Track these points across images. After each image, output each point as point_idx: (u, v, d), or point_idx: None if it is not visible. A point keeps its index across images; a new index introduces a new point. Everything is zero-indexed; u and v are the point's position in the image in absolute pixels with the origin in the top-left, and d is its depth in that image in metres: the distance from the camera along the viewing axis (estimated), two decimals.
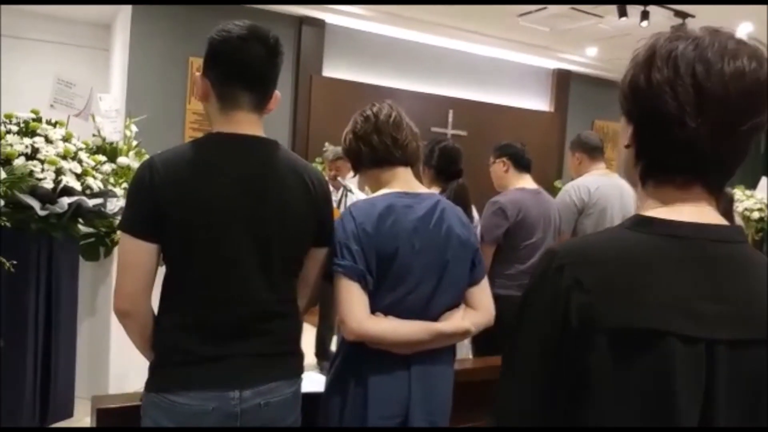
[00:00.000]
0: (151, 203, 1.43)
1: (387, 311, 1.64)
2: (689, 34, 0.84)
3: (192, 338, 1.47)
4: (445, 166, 2.96)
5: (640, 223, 0.86)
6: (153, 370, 1.50)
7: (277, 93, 1.58)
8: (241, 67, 1.49)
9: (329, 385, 1.72)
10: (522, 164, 3.16)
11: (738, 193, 6.05)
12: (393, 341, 1.63)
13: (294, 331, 1.63)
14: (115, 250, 3.52)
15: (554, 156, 8.21)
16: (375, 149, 1.74)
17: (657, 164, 0.88)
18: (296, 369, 1.61)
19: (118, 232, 1.46)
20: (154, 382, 1.49)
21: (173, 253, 1.48)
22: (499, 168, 3.18)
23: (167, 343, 1.49)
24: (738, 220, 3.27)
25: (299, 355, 1.63)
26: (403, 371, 1.66)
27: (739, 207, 5.86)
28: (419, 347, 1.66)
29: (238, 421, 1.47)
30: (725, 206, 3.07)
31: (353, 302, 1.60)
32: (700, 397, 0.78)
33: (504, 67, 7.99)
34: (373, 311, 1.63)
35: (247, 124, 1.52)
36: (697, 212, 0.85)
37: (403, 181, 1.75)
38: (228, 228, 1.46)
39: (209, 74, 1.52)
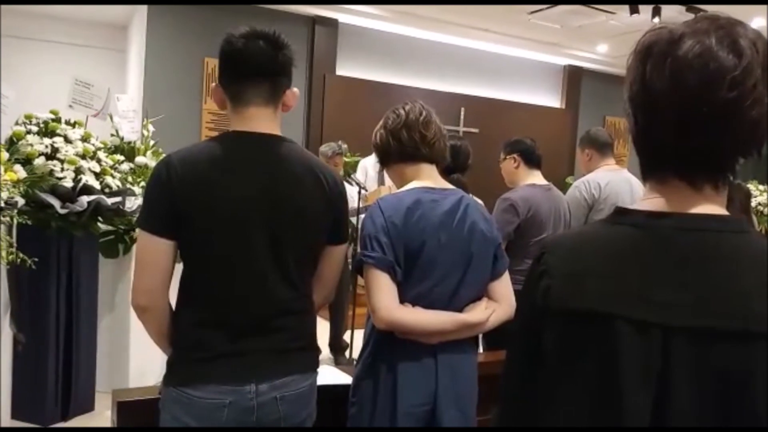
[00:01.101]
0: (169, 201, 1.45)
1: (414, 303, 1.69)
2: (667, 29, 0.82)
3: (210, 334, 1.49)
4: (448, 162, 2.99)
5: (617, 214, 0.87)
6: (171, 365, 1.53)
7: (294, 90, 1.61)
8: (246, 63, 1.52)
9: (359, 374, 1.78)
10: (532, 160, 3.17)
11: (751, 187, 6.03)
12: (421, 330, 1.69)
13: (310, 327, 1.65)
14: (134, 247, 3.59)
15: (565, 152, 8.20)
16: (403, 144, 1.81)
17: (644, 162, 0.88)
18: (312, 363, 1.64)
19: (137, 230, 1.48)
20: (172, 377, 1.51)
21: (190, 250, 1.51)
22: (509, 164, 3.20)
23: (185, 339, 1.52)
24: (754, 217, 3.27)
25: (315, 350, 1.66)
26: (430, 360, 1.71)
27: (752, 202, 5.84)
28: (445, 337, 1.71)
29: (254, 414, 1.49)
30: (742, 200, 3.08)
31: (383, 292, 1.66)
32: (651, 383, 0.76)
33: (515, 64, 7.99)
34: (400, 302, 1.68)
35: (260, 120, 1.54)
36: (691, 204, 0.82)
37: (428, 177, 1.82)
38: (244, 226, 1.48)
39: (221, 80, 1.57)
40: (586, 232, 0.93)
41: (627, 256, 0.82)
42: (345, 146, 4.85)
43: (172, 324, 1.55)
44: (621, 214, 0.87)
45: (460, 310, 1.74)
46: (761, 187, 6.18)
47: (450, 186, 1.85)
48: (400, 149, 1.82)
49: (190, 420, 1.48)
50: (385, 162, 1.90)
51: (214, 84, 1.60)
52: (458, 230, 1.73)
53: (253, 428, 1.53)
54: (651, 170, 0.87)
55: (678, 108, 0.79)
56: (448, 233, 1.71)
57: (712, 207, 0.83)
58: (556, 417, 0.83)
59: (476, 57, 7.69)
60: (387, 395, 1.70)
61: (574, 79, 8.36)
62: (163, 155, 4.08)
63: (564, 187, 6.55)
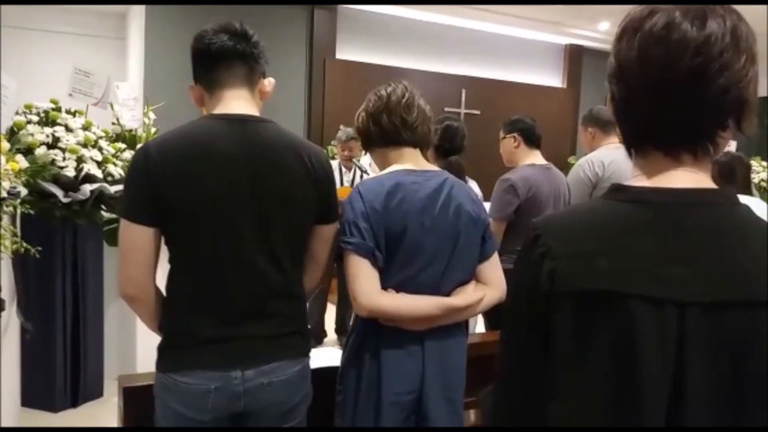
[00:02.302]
0: (148, 188, 1.44)
1: (399, 289, 1.65)
2: (645, 7, 0.85)
3: (197, 321, 1.49)
4: (443, 144, 2.98)
5: (614, 190, 0.87)
6: (161, 351, 1.54)
7: (270, 79, 1.62)
8: (215, 50, 1.53)
9: (345, 362, 1.75)
10: (532, 140, 3.16)
11: (754, 164, 6.00)
12: (405, 316, 1.65)
13: (299, 311, 1.62)
14: None
15: (568, 132, 8.16)
16: (384, 129, 1.75)
17: (626, 138, 0.90)
18: (301, 348, 1.62)
19: (120, 219, 1.49)
20: (161, 363, 1.52)
21: (174, 236, 1.50)
22: (509, 143, 3.18)
23: (173, 326, 1.52)
24: (754, 190, 3.26)
25: (305, 335, 1.64)
26: (416, 347, 1.67)
27: (755, 178, 5.81)
28: (432, 323, 1.67)
29: (242, 400, 1.49)
30: (743, 173, 3.07)
31: (363, 278, 1.62)
32: (670, 360, 0.77)
33: (516, 44, 7.93)
34: (385, 289, 1.65)
35: (237, 100, 1.54)
36: (677, 177, 0.84)
37: (410, 160, 1.76)
38: (227, 210, 1.46)
39: (195, 77, 1.58)
40: (584, 210, 0.91)
41: (635, 233, 0.81)
42: None
43: (162, 310, 1.55)
44: (619, 190, 0.86)
45: (448, 294, 1.70)
46: (764, 164, 6.15)
47: (433, 168, 1.80)
48: (381, 133, 1.76)
49: (177, 406, 1.49)
50: (367, 146, 1.85)
51: (190, 85, 1.60)
52: (443, 213, 1.68)
53: (249, 428, 1.54)
54: (633, 145, 0.89)
55: (647, 80, 0.82)
56: (432, 216, 1.66)
57: (701, 179, 0.85)
58: (569, 399, 0.82)
59: (477, 38, 7.64)
60: (371, 384, 1.67)
61: (576, 57, 8.30)
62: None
63: (566, 167, 6.53)
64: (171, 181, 1.43)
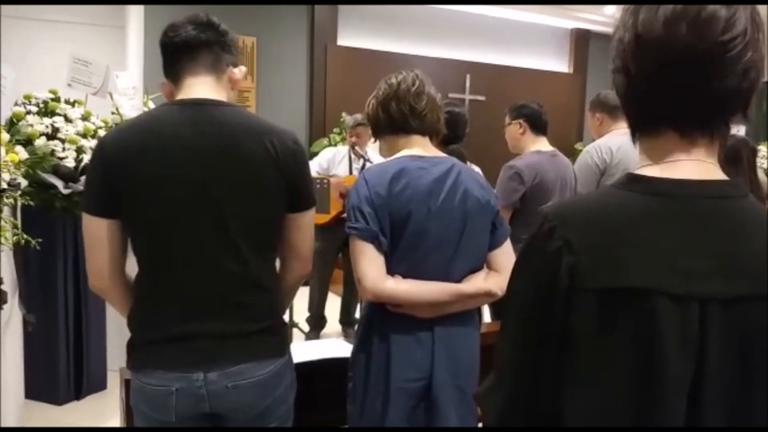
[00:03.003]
0: (103, 180, 1.42)
1: (406, 275, 1.65)
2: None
3: (159, 317, 1.46)
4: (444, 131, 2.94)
5: (630, 181, 0.85)
6: (127, 348, 1.52)
7: (241, 67, 1.57)
8: (180, 40, 1.48)
9: (355, 349, 1.75)
10: (538, 126, 3.11)
11: (763, 149, 5.94)
12: (411, 300, 1.65)
13: (269, 307, 1.54)
14: None
15: (574, 118, 8.10)
16: (392, 116, 1.76)
17: (637, 118, 0.88)
18: (271, 348, 1.53)
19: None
20: (129, 362, 1.51)
21: (131, 229, 1.47)
22: (514, 130, 3.14)
23: (135, 323, 1.50)
24: (762, 176, 3.21)
25: (277, 334, 1.56)
26: (426, 334, 1.67)
27: (765, 164, 5.75)
28: (441, 309, 1.67)
29: (207, 402, 1.44)
30: (749, 156, 3.02)
31: (368, 262, 1.62)
32: (692, 355, 0.77)
33: (521, 29, 7.85)
34: (392, 275, 1.65)
35: (198, 86, 1.48)
36: (690, 167, 0.83)
37: (419, 147, 1.76)
38: (179, 198, 1.41)
39: (165, 72, 1.53)
40: (600, 200, 0.87)
41: (657, 227, 0.80)
42: None
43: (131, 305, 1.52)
44: (637, 181, 0.84)
45: (456, 281, 1.69)
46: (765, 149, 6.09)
47: (441, 154, 1.80)
48: (390, 121, 1.77)
49: (144, 407, 1.47)
50: (376, 133, 1.86)
51: (161, 82, 1.56)
52: (449, 198, 1.67)
53: (237, 428, 1.51)
54: (644, 127, 0.87)
55: (672, 57, 0.80)
56: (438, 201, 1.66)
57: (713, 169, 0.84)
58: (589, 396, 0.80)
59: (481, 22, 7.56)
60: (380, 370, 1.67)
61: (582, 42, 8.22)
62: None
63: (574, 154, 6.47)
64: (123, 171, 1.40)
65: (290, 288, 1.65)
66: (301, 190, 1.55)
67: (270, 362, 1.51)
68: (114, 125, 3.73)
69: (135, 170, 1.40)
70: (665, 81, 0.81)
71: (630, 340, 0.78)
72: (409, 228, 1.64)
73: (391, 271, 1.65)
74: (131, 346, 1.51)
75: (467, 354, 1.74)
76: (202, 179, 1.41)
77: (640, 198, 0.82)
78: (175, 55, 1.50)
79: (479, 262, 1.75)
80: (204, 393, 1.43)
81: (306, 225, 1.60)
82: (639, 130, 0.88)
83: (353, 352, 1.76)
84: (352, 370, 1.75)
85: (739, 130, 6.85)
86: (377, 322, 1.70)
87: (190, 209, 1.42)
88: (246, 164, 1.44)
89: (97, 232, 1.45)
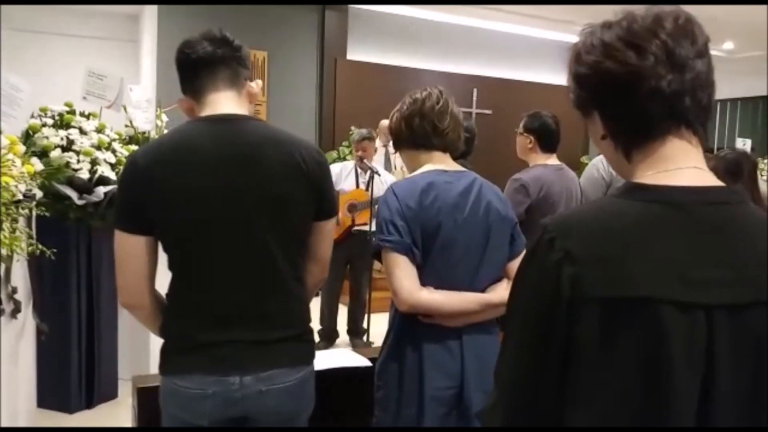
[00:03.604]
0: (136, 197, 1.44)
1: (436, 286, 1.69)
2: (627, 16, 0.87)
3: (194, 324, 1.49)
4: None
5: (630, 190, 0.85)
6: (161, 354, 1.54)
7: (258, 81, 1.61)
8: (196, 59, 1.51)
9: (384, 357, 1.77)
10: (548, 145, 3.10)
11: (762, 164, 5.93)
12: (444, 311, 1.68)
13: (300, 313, 1.59)
14: None
15: (580, 131, 8.06)
16: (414, 132, 1.80)
17: (629, 125, 0.87)
18: (303, 355, 1.58)
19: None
20: (162, 366, 1.53)
21: (167, 242, 1.49)
22: (524, 141, 3.14)
23: (172, 329, 1.52)
24: (763, 188, 3.21)
25: (307, 341, 1.60)
26: (455, 342, 1.71)
27: (766, 176, 5.75)
28: (469, 319, 1.71)
29: (240, 406, 1.48)
30: (750, 170, 3.03)
31: (404, 274, 1.65)
32: (701, 364, 0.76)
33: (527, 43, 7.91)
34: (423, 286, 1.67)
35: (223, 101, 1.52)
36: (689, 175, 0.83)
37: (441, 162, 1.80)
38: (215, 210, 1.44)
39: (182, 89, 1.56)
40: (600, 210, 0.86)
41: (660, 234, 0.79)
42: (374, 133, 4.79)
43: (164, 314, 1.55)
44: (638, 189, 0.84)
45: (481, 291, 1.74)
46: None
47: (462, 169, 1.84)
48: (412, 137, 1.80)
49: (175, 410, 1.50)
50: (397, 146, 1.89)
51: (179, 99, 1.59)
52: (474, 210, 1.72)
53: (251, 428, 1.53)
54: (645, 136, 0.87)
55: (679, 56, 0.83)
56: (464, 213, 1.71)
57: (709, 176, 0.85)
58: (596, 407, 0.79)
59: (488, 37, 7.62)
60: (413, 378, 1.69)
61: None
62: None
63: (579, 167, 6.48)
64: (157, 187, 1.42)
65: (308, 293, 1.69)
66: (327, 199, 1.60)
67: (299, 369, 1.55)
68: (128, 137, 3.80)
69: (170, 186, 1.43)
70: (677, 82, 0.83)
71: (636, 351, 0.77)
72: (439, 239, 1.68)
73: (423, 282, 1.68)
74: (165, 351, 1.53)
75: (492, 360, 1.75)
76: (236, 192, 1.45)
77: (642, 206, 0.81)
78: (194, 71, 1.52)
79: (500, 272, 1.80)
80: (239, 396, 1.47)
81: (328, 232, 1.66)
82: (634, 142, 0.87)
83: (382, 362, 1.78)
84: (382, 379, 1.77)
85: (745, 143, 6.86)
86: (408, 332, 1.72)
87: (226, 222, 1.45)
88: (278, 176, 1.48)
89: (132, 249, 1.46)
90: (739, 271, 0.79)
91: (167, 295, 1.55)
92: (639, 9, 0.86)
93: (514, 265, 1.80)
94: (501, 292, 1.74)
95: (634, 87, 0.84)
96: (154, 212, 1.44)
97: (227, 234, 1.46)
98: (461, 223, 1.70)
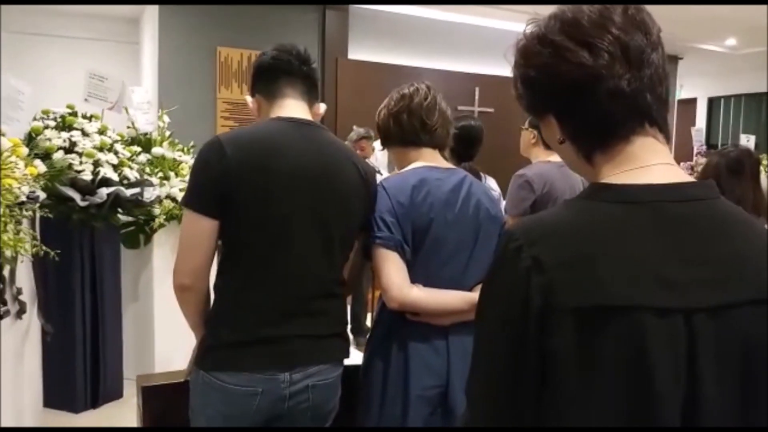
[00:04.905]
0: (216, 181, 1.45)
1: (425, 283, 1.67)
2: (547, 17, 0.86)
3: (246, 318, 1.49)
4: (458, 147, 2.97)
5: (596, 191, 0.81)
6: (207, 348, 1.52)
7: (323, 105, 1.69)
8: (278, 66, 1.60)
9: (369, 357, 1.75)
10: None
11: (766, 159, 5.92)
12: (434, 309, 1.67)
13: (344, 313, 1.68)
14: (155, 237, 3.63)
15: None
16: (403, 129, 1.78)
17: (591, 127, 0.83)
18: (343, 352, 1.65)
19: (183, 209, 1.52)
20: (206, 361, 1.51)
21: (233, 231, 1.50)
22: (528, 136, 3.15)
23: (222, 323, 1.52)
24: (765, 184, 3.18)
25: (346, 339, 1.68)
26: (441, 342, 1.69)
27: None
28: (457, 317, 1.69)
29: (286, 403, 1.50)
30: (752, 167, 3.02)
31: (394, 271, 1.64)
32: (682, 370, 0.73)
33: None
34: (412, 283, 1.66)
35: (297, 109, 1.60)
36: (657, 172, 0.80)
37: (430, 159, 1.79)
38: (289, 207, 1.49)
39: (257, 89, 1.64)
40: (566, 213, 0.81)
41: (631, 236, 0.75)
42: (373, 132, 4.80)
43: (210, 306, 1.56)
44: (604, 189, 0.80)
45: (468, 289, 1.72)
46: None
47: (452, 166, 1.83)
48: (401, 133, 1.79)
49: (221, 405, 1.48)
50: (386, 143, 1.88)
51: (250, 99, 1.66)
52: (464, 207, 1.71)
53: (268, 428, 1.54)
54: (607, 137, 0.83)
55: (632, 51, 0.80)
56: (455, 211, 1.70)
57: (679, 172, 0.82)
58: (576, 420, 0.74)
59: (489, 35, 7.61)
60: (398, 378, 1.68)
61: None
62: (180, 146, 4.06)
63: None
64: (237, 175, 1.45)
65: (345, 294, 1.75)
66: (371, 213, 1.67)
67: (340, 365, 1.63)
68: (129, 139, 3.81)
69: (252, 176, 1.46)
70: (635, 79, 0.80)
71: (614, 358, 0.72)
72: (429, 236, 1.67)
73: (412, 279, 1.67)
74: (212, 346, 1.52)
75: None
76: (311, 192, 1.51)
77: (609, 207, 0.78)
78: (275, 76, 1.61)
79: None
80: (287, 393, 1.50)
81: (359, 242, 1.72)
82: (596, 145, 0.84)
83: (366, 361, 1.76)
84: (366, 376, 1.75)
85: (749, 140, 6.85)
86: (394, 330, 1.71)
87: (298, 219, 1.50)
88: (346, 181, 1.57)
89: (201, 230, 1.47)
90: (717, 270, 0.75)
91: (216, 288, 1.55)
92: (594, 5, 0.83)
93: None
94: None
95: (592, 89, 0.80)
96: (229, 198, 1.45)
97: (294, 230, 1.50)
98: (452, 220, 1.69)
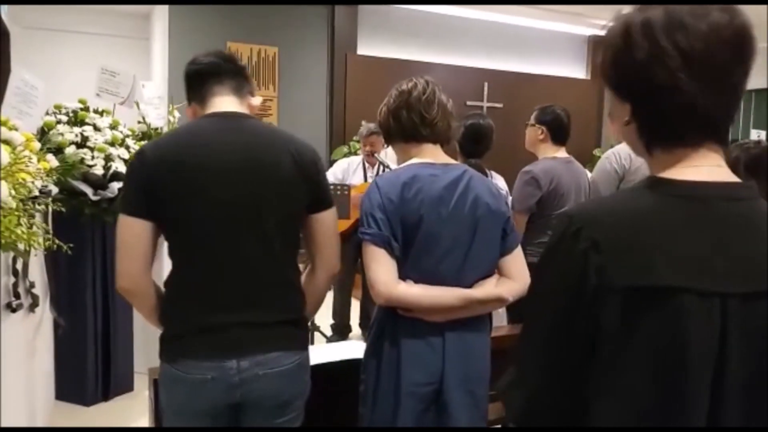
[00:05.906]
0: (139, 182, 1.50)
1: (419, 280, 1.67)
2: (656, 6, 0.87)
3: (191, 309, 1.53)
4: (466, 144, 2.97)
5: (653, 184, 0.88)
6: (161, 340, 1.59)
7: (259, 97, 1.72)
8: (207, 67, 1.65)
9: (367, 352, 1.77)
10: (558, 137, 3.12)
11: None
12: (422, 305, 1.66)
13: (295, 301, 1.64)
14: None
15: (592, 124, 8.08)
16: (403, 124, 1.78)
17: (662, 132, 0.90)
18: (298, 341, 1.63)
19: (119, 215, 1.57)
20: (162, 353, 1.57)
21: (168, 227, 1.54)
22: (535, 132, 3.15)
23: (170, 315, 1.57)
24: None
25: (301, 327, 1.66)
26: (437, 339, 1.68)
27: None
28: (452, 314, 1.68)
29: (238, 390, 1.52)
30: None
31: (380, 267, 1.64)
32: (714, 350, 0.81)
33: (538, 36, 7.87)
34: (405, 280, 1.66)
35: (227, 103, 1.62)
36: (708, 171, 0.87)
37: (430, 155, 1.77)
38: (220, 196, 1.51)
39: (190, 96, 1.68)
40: (626, 202, 0.90)
41: (680, 227, 0.83)
42: None
43: (162, 301, 1.60)
44: (663, 183, 0.88)
45: (468, 286, 1.70)
46: None
47: (453, 161, 1.81)
48: (401, 129, 1.79)
49: (179, 395, 1.54)
50: (388, 140, 1.88)
51: (186, 108, 1.70)
52: (460, 204, 1.69)
53: (257, 428, 1.56)
54: (670, 138, 0.89)
55: (716, 69, 0.84)
56: (449, 207, 1.68)
57: (728, 173, 0.89)
58: (617, 393, 0.83)
59: (498, 30, 7.59)
60: (391, 373, 1.68)
61: (599, 49, 8.17)
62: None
63: (592, 160, 6.45)
64: (160, 172, 1.49)
65: (321, 287, 1.73)
66: (322, 191, 1.67)
67: (295, 353, 1.61)
68: (140, 133, 3.83)
69: (175, 174, 1.50)
70: (709, 94, 0.85)
71: (655, 336, 0.81)
72: (420, 233, 1.65)
73: (405, 276, 1.66)
74: (164, 338, 1.58)
75: (478, 359, 1.75)
76: (239, 181, 1.52)
77: (666, 199, 0.86)
78: (201, 79, 1.65)
79: (490, 268, 1.76)
80: (237, 381, 1.51)
81: (329, 223, 1.70)
82: (659, 143, 0.90)
83: (365, 356, 1.78)
84: (364, 373, 1.77)
85: (759, 135, 6.80)
86: (389, 327, 1.71)
87: (229, 209, 1.52)
88: (276, 169, 1.56)
89: (133, 232, 1.51)
90: (749, 263, 0.84)
91: (166, 283, 1.60)
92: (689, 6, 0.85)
93: (508, 260, 1.78)
94: (487, 288, 1.72)
95: (678, 102, 0.85)
96: (158, 199, 1.49)
97: (229, 221, 1.52)
98: (446, 216, 1.67)
